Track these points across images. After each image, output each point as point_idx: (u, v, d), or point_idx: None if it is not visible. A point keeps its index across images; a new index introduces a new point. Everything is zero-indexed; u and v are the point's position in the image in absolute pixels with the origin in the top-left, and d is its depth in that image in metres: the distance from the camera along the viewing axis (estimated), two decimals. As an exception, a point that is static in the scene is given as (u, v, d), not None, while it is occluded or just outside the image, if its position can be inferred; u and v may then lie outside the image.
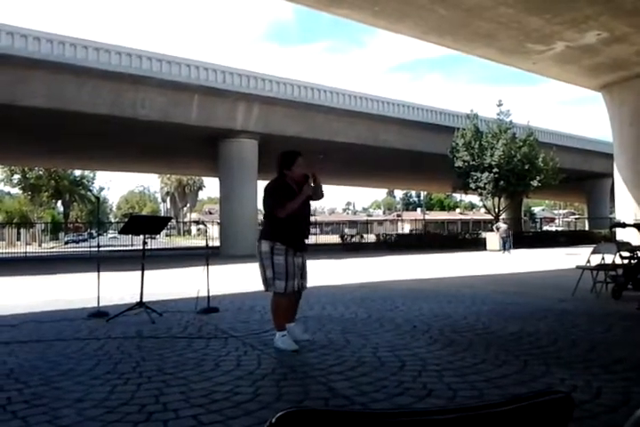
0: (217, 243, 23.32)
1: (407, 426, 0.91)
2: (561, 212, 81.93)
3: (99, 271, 6.41)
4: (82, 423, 2.77)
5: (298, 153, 4.67)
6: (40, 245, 38.95)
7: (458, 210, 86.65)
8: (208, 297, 6.54)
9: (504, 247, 21.97)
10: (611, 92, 19.97)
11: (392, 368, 3.79)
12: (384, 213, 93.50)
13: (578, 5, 12.99)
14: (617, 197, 21.58)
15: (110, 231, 54.94)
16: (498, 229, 23.00)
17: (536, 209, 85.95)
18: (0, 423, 2.77)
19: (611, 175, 23.82)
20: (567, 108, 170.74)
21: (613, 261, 7.57)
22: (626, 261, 7.55)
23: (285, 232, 4.47)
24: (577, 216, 67.33)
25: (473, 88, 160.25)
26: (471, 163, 24.87)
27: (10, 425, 2.75)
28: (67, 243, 48.05)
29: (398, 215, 75.61)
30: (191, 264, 13.37)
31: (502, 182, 24.61)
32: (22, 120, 19.13)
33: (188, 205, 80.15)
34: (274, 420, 0.88)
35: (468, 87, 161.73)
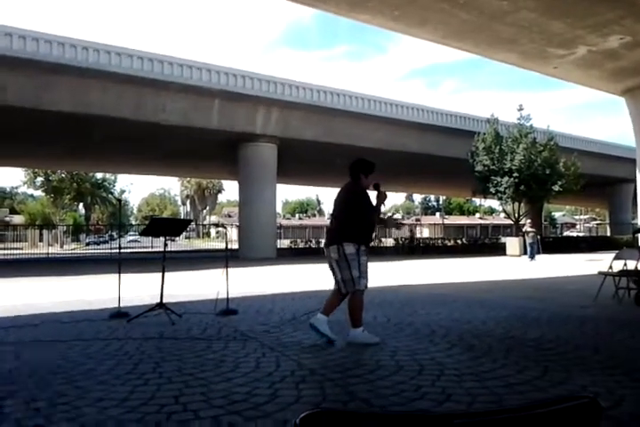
0: (236, 246, 23.43)
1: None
2: (582, 217, 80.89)
3: (120, 273, 6.47)
4: (103, 422, 2.80)
5: (374, 164, 5.07)
6: (62, 247, 39.51)
7: (477, 215, 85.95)
8: (227, 299, 6.58)
9: (531, 254, 20.46)
10: (634, 96, 19.73)
11: (410, 372, 3.77)
12: (403, 217, 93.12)
13: (600, 9, 12.85)
14: (639, 203, 21.29)
15: (130, 233, 55.26)
16: (527, 233, 21.45)
17: (557, 214, 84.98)
18: (24, 420, 2.82)
19: (633, 181, 23.52)
20: (588, 112, 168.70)
21: (636, 267, 7.46)
22: (649, 268, 7.44)
23: (367, 236, 4.94)
24: (598, 222, 66.43)
25: (492, 93, 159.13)
26: (491, 167, 24.66)
27: (33, 423, 2.79)
28: (88, 245, 48.58)
29: (417, 219, 75.22)
30: (210, 266, 13.45)
31: (522, 187, 24.35)
32: (47, 124, 19.43)
33: (208, 207, 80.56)
34: (298, 420, 0.89)
35: (487, 92, 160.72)
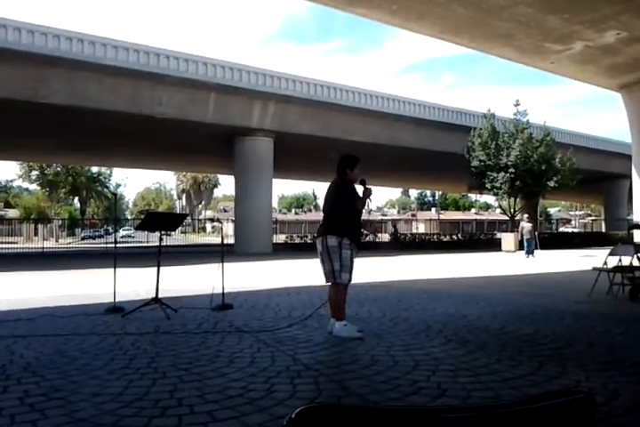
0: (231, 240, 23.42)
1: (425, 423, 0.91)
2: (577, 213, 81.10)
3: (115, 267, 6.46)
4: (98, 417, 2.80)
5: (358, 158, 5.12)
6: (57, 241, 39.32)
7: (473, 210, 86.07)
8: (223, 294, 6.57)
9: (528, 250, 19.27)
10: (630, 92, 19.75)
11: (406, 367, 3.78)
12: (398, 212, 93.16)
13: (597, 5, 12.86)
14: (635, 199, 21.37)
15: (124, 228, 54.21)
16: (522, 228, 20.40)
17: (552, 210, 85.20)
18: (18, 416, 2.81)
19: (629, 176, 23.57)
20: (584, 108, 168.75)
21: (631, 263, 7.49)
22: (644, 264, 7.47)
23: (351, 229, 4.90)
24: (594, 217, 66.60)
25: (489, 88, 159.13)
26: (487, 162, 24.71)
27: (28, 418, 2.78)
28: (83, 239, 48.34)
29: (413, 215, 75.31)
30: (206, 261, 13.44)
31: (518, 183, 24.40)
32: (42, 117, 19.35)
33: (203, 202, 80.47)
34: (294, 415, 0.89)
35: (484, 87, 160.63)
